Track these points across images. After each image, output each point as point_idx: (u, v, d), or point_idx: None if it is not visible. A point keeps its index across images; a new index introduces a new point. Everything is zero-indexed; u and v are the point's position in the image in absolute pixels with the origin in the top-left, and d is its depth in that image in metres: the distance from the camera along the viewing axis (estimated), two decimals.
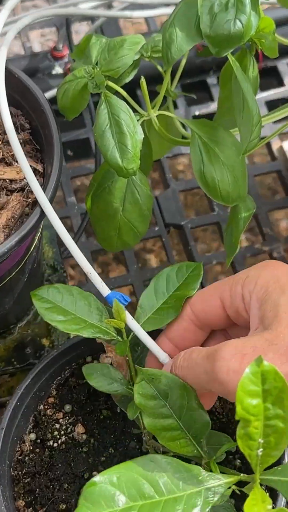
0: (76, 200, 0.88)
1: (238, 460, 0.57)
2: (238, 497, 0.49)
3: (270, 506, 0.40)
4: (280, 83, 0.99)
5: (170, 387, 0.47)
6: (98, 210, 0.61)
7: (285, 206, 0.91)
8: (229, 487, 0.43)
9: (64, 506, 0.56)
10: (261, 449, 0.40)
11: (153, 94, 0.62)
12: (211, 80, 0.97)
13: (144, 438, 0.57)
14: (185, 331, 0.53)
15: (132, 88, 0.69)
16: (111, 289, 0.54)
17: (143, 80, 0.57)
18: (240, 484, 0.44)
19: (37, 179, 0.57)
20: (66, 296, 0.55)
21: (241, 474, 0.43)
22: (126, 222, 0.60)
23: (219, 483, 0.42)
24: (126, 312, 0.53)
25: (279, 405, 0.39)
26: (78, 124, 0.93)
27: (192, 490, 0.41)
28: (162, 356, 0.53)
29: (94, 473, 0.58)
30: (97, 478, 0.41)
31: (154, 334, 0.55)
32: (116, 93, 0.59)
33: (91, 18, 1.01)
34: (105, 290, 0.53)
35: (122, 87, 0.59)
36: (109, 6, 0.97)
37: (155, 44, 0.64)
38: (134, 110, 0.58)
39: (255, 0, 0.56)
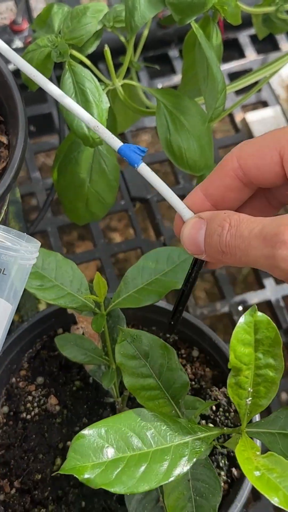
0: (40, 175, 0.87)
1: (211, 425, 0.58)
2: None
3: (259, 452, 0.41)
4: (242, 55, 0.99)
5: (151, 346, 0.48)
6: (64, 182, 0.61)
7: None
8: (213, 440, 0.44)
9: (40, 476, 0.57)
10: (250, 398, 0.41)
11: (115, 67, 0.62)
12: (173, 53, 0.97)
13: (117, 406, 0.58)
14: (227, 189, 0.43)
15: (93, 61, 0.68)
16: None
17: (107, 49, 0.57)
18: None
19: (2, 151, 0.56)
20: (47, 261, 0.53)
21: (225, 428, 0.44)
22: (93, 193, 0.60)
23: (205, 434, 0.43)
24: (143, 164, 0.44)
25: (271, 354, 0.40)
26: (40, 99, 0.92)
27: (179, 441, 0.42)
28: (188, 214, 0.44)
29: (68, 443, 0.58)
30: (85, 431, 0.41)
31: (129, 312, 0.54)
32: (80, 63, 0.58)
33: None
34: (116, 143, 0.44)
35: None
36: None
37: (117, 15, 0.64)
38: (99, 80, 0.58)
39: None
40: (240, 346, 0.42)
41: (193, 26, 0.57)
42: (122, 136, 0.91)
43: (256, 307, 0.43)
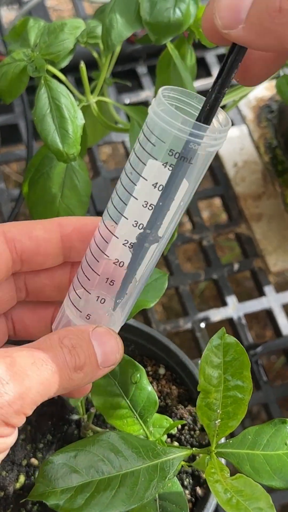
0: (5, 186, 0.87)
1: (176, 443, 0.58)
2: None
3: (228, 474, 0.41)
4: (208, 74, 1.00)
5: (122, 365, 0.48)
6: (35, 196, 0.61)
7: (208, 196, 0.93)
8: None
9: (2, 493, 0.56)
10: (219, 420, 0.41)
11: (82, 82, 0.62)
12: (141, 69, 0.98)
13: (83, 423, 0.57)
14: None
15: (64, 74, 0.68)
16: None
17: (83, 66, 0.57)
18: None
19: None
20: None
21: (193, 448, 0.44)
22: (64, 208, 0.60)
23: (174, 456, 0.43)
24: None
25: (239, 376, 0.41)
26: (6, 109, 0.92)
27: (149, 463, 0.42)
28: None
29: (32, 459, 0.58)
30: (54, 456, 0.41)
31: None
32: (53, 76, 0.58)
33: (19, 3, 1.00)
34: None
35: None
36: None
37: (91, 30, 0.64)
38: (73, 95, 0.58)
39: None
40: (210, 368, 0.42)
41: (168, 46, 0.58)
42: (89, 150, 0.91)
43: (225, 329, 0.44)
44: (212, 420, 0.42)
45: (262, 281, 0.87)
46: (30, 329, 0.45)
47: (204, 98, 0.35)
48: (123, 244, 0.37)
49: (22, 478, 0.57)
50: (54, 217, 0.60)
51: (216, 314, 0.84)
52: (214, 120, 0.35)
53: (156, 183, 0.35)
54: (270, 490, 0.41)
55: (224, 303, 0.85)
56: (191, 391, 0.60)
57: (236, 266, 0.87)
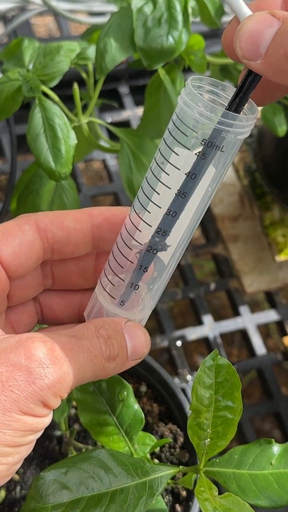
0: None
1: (156, 460, 0.59)
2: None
3: (217, 493, 0.42)
4: None
5: (109, 383, 0.49)
6: (24, 212, 0.61)
7: None
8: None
9: None
10: (208, 439, 0.42)
11: (69, 99, 0.63)
12: (123, 89, 0.99)
13: (65, 439, 0.58)
14: None
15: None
16: None
17: (76, 87, 0.58)
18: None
19: None
20: None
21: (181, 466, 0.45)
22: None
23: (162, 474, 0.44)
24: None
25: (230, 397, 0.42)
26: None
27: (137, 481, 0.43)
28: (249, 13, 0.35)
29: (14, 474, 0.58)
30: (45, 472, 0.42)
31: None
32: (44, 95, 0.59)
33: (4, 20, 1.00)
34: None
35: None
36: (22, 9, 0.97)
37: (81, 52, 0.65)
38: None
39: (186, 18, 0.59)
40: (202, 388, 0.43)
41: (160, 72, 0.60)
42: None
43: (218, 351, 0.45)
44: (202, 439, 0.43)
45: (238, 301, 0.88)
46: (57, 314, 0.46)
47: (232, 88, 0.37)
48: (156, 232, 0.38)
49: (2, 493, 0.57)
50: None
51: (192, 333, 0.85)
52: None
53: (189, 172, 0.36)
54: (255, 508, 0.43)
55: (200, 322, 0.86)
56: (172, 409, 0.61)
57: (212, 286, 0.89)
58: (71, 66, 0.65)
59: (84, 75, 0.67)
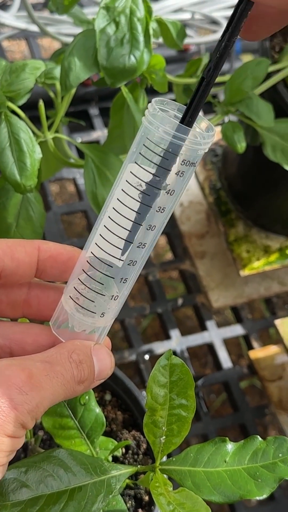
0: None
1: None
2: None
3: (171, 488, 0.43)
4: None
5: None
6: None
7: None
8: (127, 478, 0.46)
9: None
10: (164, 437, 0.44)
11: (38, 120, 0.65)
12: (93, 110, 1.02)
13: (30, 447, 0.59)
14: None
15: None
16: None
17: (41, 104, 0.60)
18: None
19: None
20: None
21: (139, 466, 0.46)
22: (19, 237, 0.62)
23: (121, 472, 0.45)
24: None
25: (183, 395, 0.44)
26: None
27: (96, 479, 0.44)
28: None
29: None
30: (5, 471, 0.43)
31: None
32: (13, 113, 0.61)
33: None
34: None
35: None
36: None
37: (48, 71, 0.68)
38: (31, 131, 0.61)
39: (147, 38, 0.61)
40: (156, 387, 0.45)
41: (123, 90, 0.62)
42: (40, 185, 0.94)
43: (172, 351, 0.47)
44: (158, 437, 0.45)
45: (205, 316, 0.90)
46: None
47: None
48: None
49: None
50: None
51: (160, 347, 0.87)
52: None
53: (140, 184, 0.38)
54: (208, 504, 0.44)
55: (167, 337, 0.88)
56: (135, 417, 0.63)
57: (180, 301, 0.90)
58: (39, 85, 0.67)
59: (51, 94, 0.69)
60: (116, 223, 0.39)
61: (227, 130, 0.69)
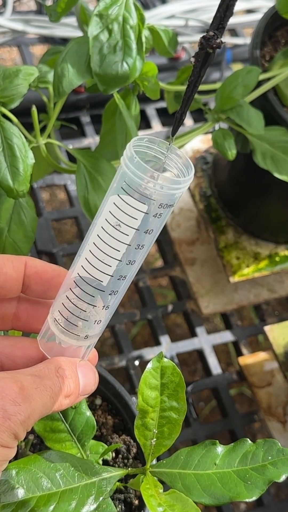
0: None
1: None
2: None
3: (162, 490, 0.44)
4: (148, 126, 1.06)
5: None
6: None
7: None
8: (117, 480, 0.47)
9: None
10: (155, 439, 0.44)
11: (31, 125, 0.65)
12: (85, 118, 1.02)
13: (20, 451, 0.59)
14: None
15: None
16: None
17: (34, 109, 0.61)
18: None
19: None
20: None
21: (129, 468, 0.46)
22: (11, 242, 0.63)
23: (111, 474, 0.45)
24: None
25: (174, 398, 0.44)
26: None
27: (87, 481, 0.44)
28: None
29: None
30: None
31: None
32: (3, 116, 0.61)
33: None
34: None
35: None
36: None
37: (41, 76, 0.68)
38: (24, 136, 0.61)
39: (140, 46, 0.62)
40: (148, 389, 0.46)
41: (115, 96, 0.63)
42: (32, 191, 0.94)
43: (163, 353, 0.47)
44: (148, 439, 0.45)
45: (194, 322, 0.91)
46: None
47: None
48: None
49: None
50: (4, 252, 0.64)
51: (150, 353, 0.87)
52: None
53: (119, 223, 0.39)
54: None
55: (157, 343, 0.88)
56: (126, 421, 0.63)
57: (170, 308, 0.91)
58: (33, 90, 0.68)
59: (44, 98, 0.70)
60: (98, 258, 0.40)
61: (218, 137, 0.70)
